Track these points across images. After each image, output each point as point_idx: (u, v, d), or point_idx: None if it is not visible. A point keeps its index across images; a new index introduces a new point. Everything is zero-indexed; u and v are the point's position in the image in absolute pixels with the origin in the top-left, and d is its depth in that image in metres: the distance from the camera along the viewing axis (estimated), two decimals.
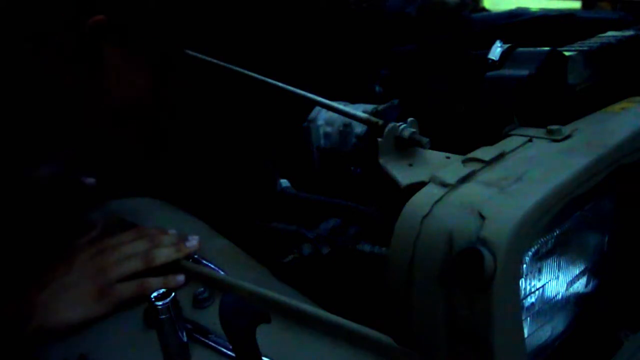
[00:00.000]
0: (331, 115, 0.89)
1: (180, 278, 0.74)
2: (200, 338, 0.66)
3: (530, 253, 0.60)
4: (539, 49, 0.77)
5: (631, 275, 0.76)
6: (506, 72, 0.76)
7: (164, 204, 0.94)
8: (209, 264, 0.78)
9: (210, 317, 0.68)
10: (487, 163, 0.60)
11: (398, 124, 0.68)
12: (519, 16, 1.22)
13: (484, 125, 0.72)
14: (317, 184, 0.92)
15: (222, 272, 0.76)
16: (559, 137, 0.64)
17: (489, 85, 0.75)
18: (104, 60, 0.72)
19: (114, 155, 0.87)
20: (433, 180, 0.58)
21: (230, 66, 0.89)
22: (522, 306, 0.61)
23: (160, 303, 0.60)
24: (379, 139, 0.68)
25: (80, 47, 0.69)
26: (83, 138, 0.78)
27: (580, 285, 0.72)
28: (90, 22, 0.68)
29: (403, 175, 0.64)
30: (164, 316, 0.60)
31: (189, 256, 0.78)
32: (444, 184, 0.56)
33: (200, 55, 0.92)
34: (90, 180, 0.89)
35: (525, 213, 0.51)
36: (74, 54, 0.69)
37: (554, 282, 0.66)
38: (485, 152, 0.61)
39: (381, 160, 0.67)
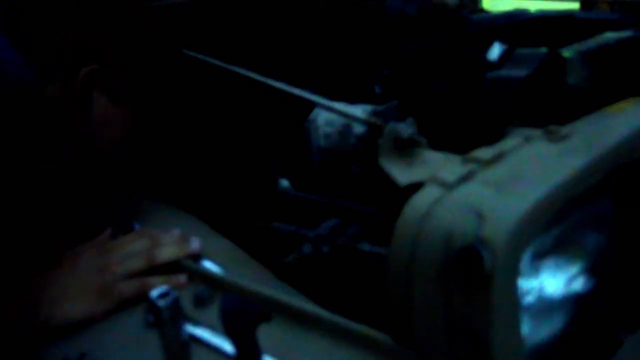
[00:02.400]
0: (331, 115, 0.89)
1: (183, 278, 0.75)
2: (201, 337, 0.66)
3: (529, 252, 0.60)
4: (538, 49, 0.77)
5: (631, 275, 0.76)
6: (506, 72, 0.76)
7: (164, 204, 0.94)
8: (210, 263, 0.78)
9: (211, 317, 0.68)
10: (487, 163, 0.60)
11: (398, 125, 0.68)
12: (517, 17, 1.23)
13: (484, 125, 0.72)
14: (317, 184, 0.92)
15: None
16: (558, 137, 0.64)
17: (489, 86, 0.75)
18: (93, 105, 0.81)
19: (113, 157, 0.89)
20: (433, 180, 0.58)
21: (231, 67, 0.89)
22: (521, 305, 0.61)
23: (161, 302, 0.60)
24: (379, 139, 0.68)
25: (75, 91, 0.78)
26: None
27: (579, 285, 0.72)
28: (85, 70, 0.77)
29: (403, 175, 0.64)
30: (164, 315, 0.60)
31: (190, 256, 0.78)
32: (443, 184, 0.57)
33: (200, 56, 0.92)
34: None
35: (524, 212, 0.51)
36: (70, 96, 0.78)
37: (553, 281, 0.66)
38: (485, 152, 0.61)
39: (381, 161, 0.67)
